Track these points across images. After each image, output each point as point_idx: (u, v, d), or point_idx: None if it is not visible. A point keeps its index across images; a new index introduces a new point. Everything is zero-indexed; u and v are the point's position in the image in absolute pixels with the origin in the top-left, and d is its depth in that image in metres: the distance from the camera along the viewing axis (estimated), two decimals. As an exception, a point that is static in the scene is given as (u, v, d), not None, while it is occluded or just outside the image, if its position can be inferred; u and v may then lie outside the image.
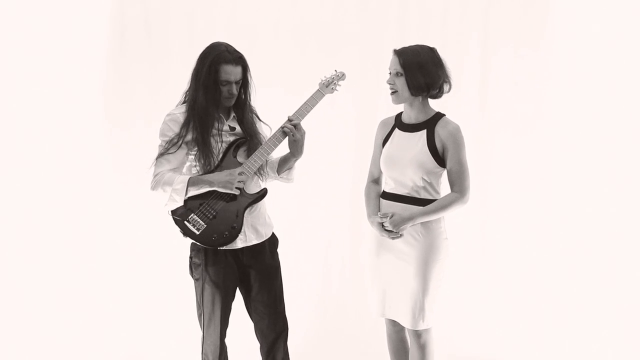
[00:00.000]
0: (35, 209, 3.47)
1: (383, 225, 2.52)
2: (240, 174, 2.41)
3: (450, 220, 2.61)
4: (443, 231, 2.56)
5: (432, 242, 2.52)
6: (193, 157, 2.46)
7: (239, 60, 2.42)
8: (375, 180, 2.72)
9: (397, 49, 2.52)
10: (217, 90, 2.40)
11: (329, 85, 2.60)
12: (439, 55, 2.51)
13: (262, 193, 2.52)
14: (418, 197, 2.52)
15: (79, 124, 3.50)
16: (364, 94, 3.53)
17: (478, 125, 3.56)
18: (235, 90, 2.43)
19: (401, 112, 2.64)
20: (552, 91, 3.55)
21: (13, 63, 3.38)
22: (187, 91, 2.49)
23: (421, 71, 2.45)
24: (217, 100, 2.41)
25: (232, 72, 2.40)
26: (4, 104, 3.40)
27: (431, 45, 2.53)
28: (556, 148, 3.57)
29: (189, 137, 2.41)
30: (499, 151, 3.60)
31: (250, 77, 2.49)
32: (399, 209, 2.52)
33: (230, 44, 2.46)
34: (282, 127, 2.48)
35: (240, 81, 2.45)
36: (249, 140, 2.51)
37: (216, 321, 2.51)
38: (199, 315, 2.56)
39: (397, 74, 2.49)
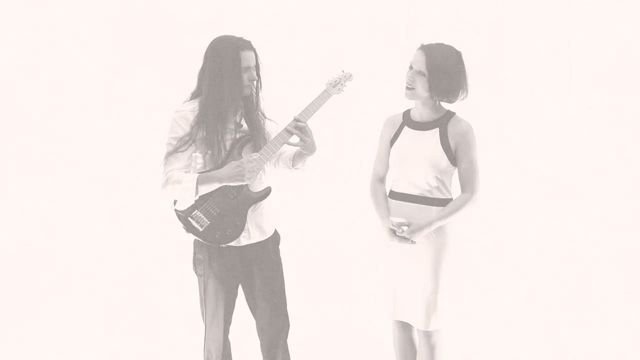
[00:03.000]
0: (39, 203, 3.53)
1: (395, 232, 2.46)
2: (250, 161, 2.37)
3: (462, 219, 2.55)
4: (455, 230, 2.51)
5: (445, 241, 2.48)
6: (199, 152, 2.46)
7: (251, 44, 2.45)
8: (381, 179, 2.66)
9: (425, 44, 2.44)
10: (241, 80, 2.40)
11: (336, 86, 2.59)
12: (463, 62, 2.44)
13: (266, 192, 2.52)
14: (430, 197, 2.48)
15: (82, 119, 3.55)
16: (370, 89, 3.51)
17: (486, 126, 3.51)
18: (255, 74, 2.44)
19: (409, 110, 2.59)
20: (561, 93, 3.52)
21: (17, 56, 3.43)
22: (196, 90, 2.49)
23: (445, 77, 2.38)
24: (241, 90, 2.42)
25: (250, 58, 2.41)
26: (8, 98, 3.46)
27: (457, 49, 2.45)
28: (568, 150, 3.52)
29: (200, 135, 2.41)
30: (509, 152, 3.56)
31: (260, 61, 2.50)
32: (411, 210, 2.48)
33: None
34: (287, 127, 2.48)
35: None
36: (254, 137, 2.50)
37: (219, 317, 2.51)
38: (203, 312, 2.56)
39: (419, 72, 2.41)
